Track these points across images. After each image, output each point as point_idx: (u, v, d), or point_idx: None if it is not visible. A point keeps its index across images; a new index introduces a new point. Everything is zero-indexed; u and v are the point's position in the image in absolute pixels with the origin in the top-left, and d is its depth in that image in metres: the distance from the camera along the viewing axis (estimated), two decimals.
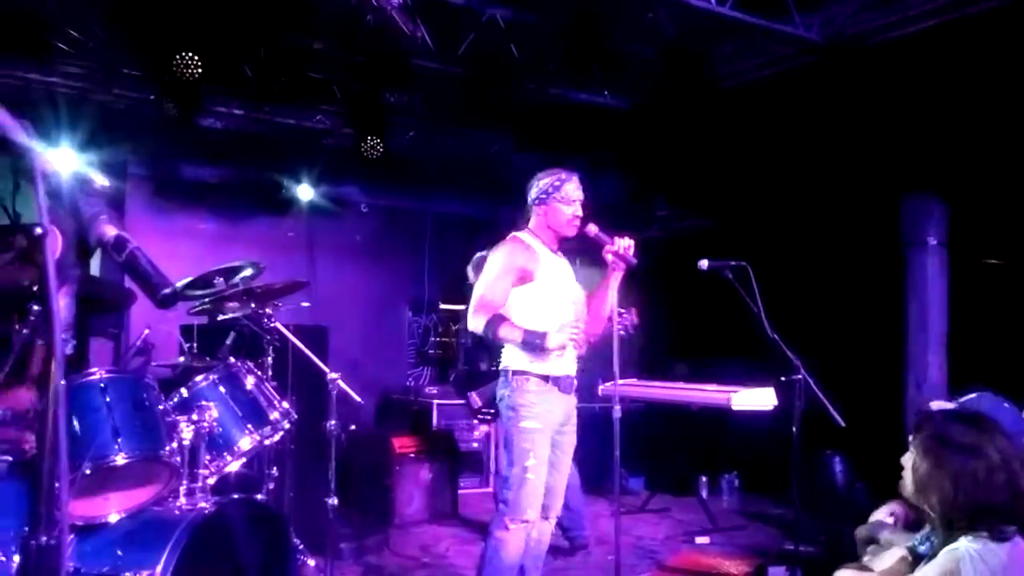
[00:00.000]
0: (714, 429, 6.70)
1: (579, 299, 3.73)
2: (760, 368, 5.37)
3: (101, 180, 0.92)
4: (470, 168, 8.08)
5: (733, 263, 4.25)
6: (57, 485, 1.00)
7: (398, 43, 5.15)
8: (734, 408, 5.77)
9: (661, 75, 6.00)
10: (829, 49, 5.01)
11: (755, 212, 6.91)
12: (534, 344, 3.40)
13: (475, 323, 3.49)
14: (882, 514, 3.33)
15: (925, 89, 5.31)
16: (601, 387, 6.21)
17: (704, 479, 7.16)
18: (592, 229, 3.52)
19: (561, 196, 3.60)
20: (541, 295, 3.56)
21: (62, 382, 0.89)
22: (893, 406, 6.07)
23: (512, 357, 3.55)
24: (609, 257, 3.54)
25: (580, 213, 3.63)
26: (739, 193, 6.87)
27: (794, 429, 4.25)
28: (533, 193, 3.67)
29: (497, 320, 3.44)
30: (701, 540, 5.79)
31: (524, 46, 5.85)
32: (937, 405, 3.66)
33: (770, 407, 5.71)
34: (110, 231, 0.94)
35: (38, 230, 0.91)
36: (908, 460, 2.46)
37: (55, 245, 0.93)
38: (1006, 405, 3.57)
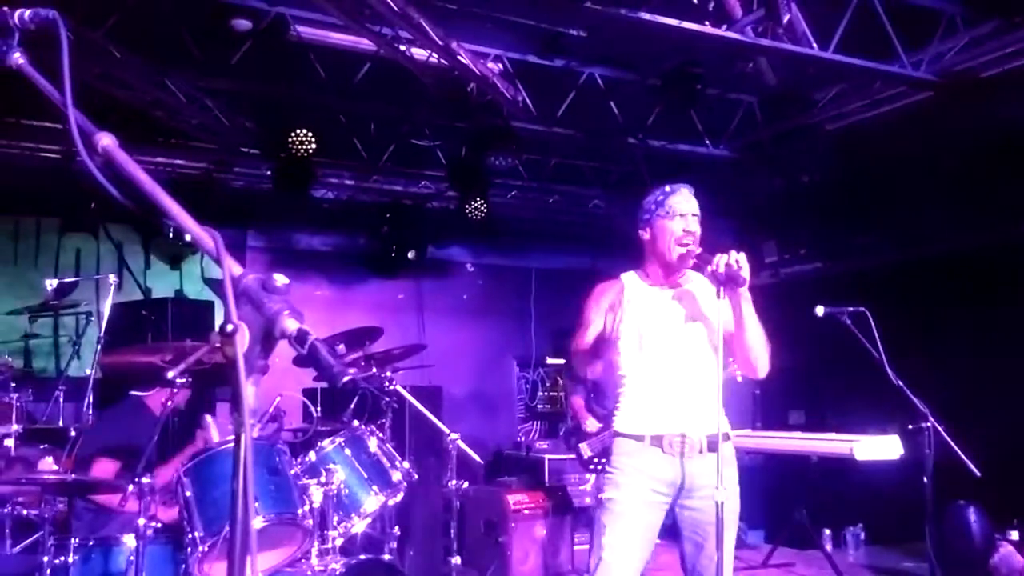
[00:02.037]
0: (835, 479, 6.44)
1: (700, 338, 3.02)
2: (881, 415, 5.17)
3: (282, 280, 1.03)
4: (570, 224, 8.19)
5: (851, 309, 4.15)
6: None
7: (500, 109, 5.31)
8: (858, 459, 5.55)
9: (764, 122, 5.99)
10: (943, 85, 4.88)
11: (868, 254, 6.71)
12: None
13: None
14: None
15: None
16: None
17: (827, 532, 6.85)
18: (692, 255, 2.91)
19: (665, 211, 2.98)
20: (623, 336, 3.02)
21: (251, 464, 0.99)
22: None
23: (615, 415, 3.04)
24: (714, 283, 2.82)
25: (693, 229, 2.96)
26: (850, 235, 6.71)
27: (925, 480, 4.07)
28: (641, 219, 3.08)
29: (576, 355, 3.08)
30: None
31: (623, 101, 5.93)
32: None
33: (896, 457, 5.46)
34: (292, 325, 1.05)
35: (229, 327, 1.03)
36: None
37: (243, 340, 1.04)
38: None
